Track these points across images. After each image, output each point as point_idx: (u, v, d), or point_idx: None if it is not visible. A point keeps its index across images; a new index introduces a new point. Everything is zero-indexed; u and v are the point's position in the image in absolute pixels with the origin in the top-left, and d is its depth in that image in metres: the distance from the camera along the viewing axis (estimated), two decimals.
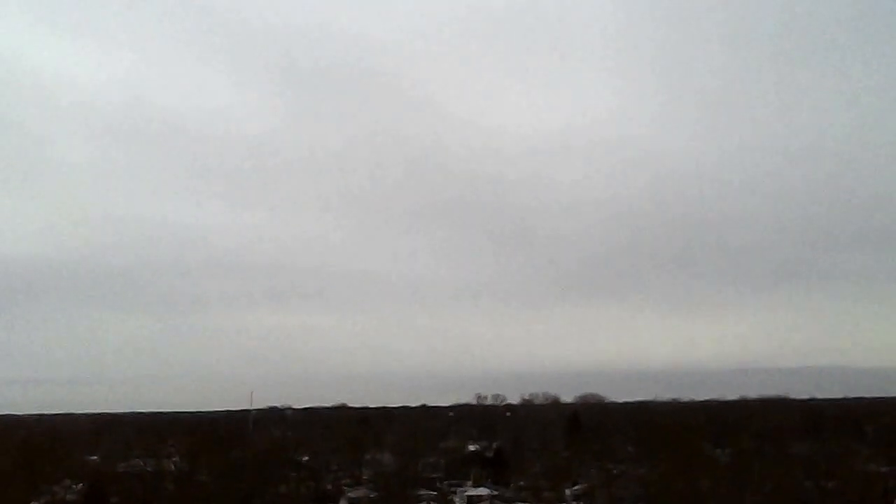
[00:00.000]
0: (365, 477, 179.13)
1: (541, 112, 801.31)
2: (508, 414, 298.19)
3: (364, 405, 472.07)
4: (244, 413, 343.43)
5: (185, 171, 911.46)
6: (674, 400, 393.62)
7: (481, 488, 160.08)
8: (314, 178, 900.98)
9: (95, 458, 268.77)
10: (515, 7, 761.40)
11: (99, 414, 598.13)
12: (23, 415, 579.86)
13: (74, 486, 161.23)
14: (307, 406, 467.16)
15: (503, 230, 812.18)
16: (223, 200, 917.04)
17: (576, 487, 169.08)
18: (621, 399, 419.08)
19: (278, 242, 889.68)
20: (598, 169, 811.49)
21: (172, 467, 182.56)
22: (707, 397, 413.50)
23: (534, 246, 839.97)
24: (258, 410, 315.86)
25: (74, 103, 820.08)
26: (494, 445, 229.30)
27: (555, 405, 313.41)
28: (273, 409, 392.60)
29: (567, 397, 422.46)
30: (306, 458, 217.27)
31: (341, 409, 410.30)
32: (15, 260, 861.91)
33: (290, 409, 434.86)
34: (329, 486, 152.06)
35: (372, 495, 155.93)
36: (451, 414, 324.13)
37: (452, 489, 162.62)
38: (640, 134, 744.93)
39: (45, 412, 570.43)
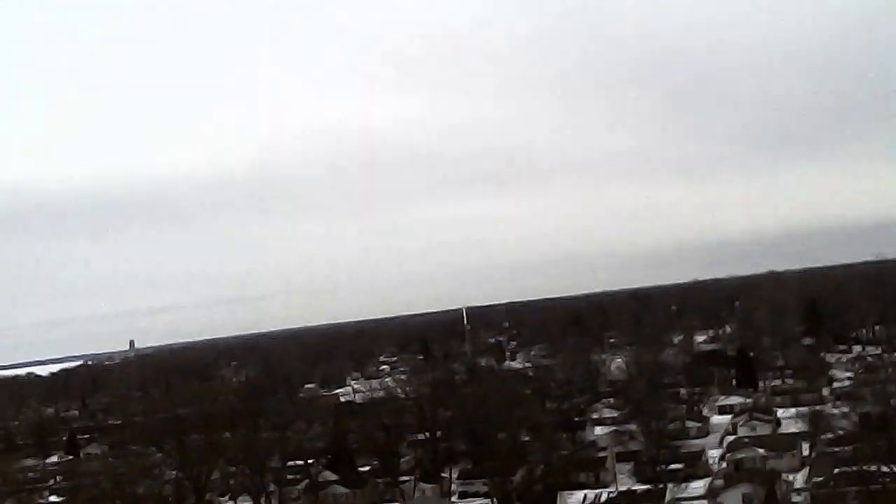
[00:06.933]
0: (602, 389, 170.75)
1: None
2: (737, 302, 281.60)
3: (571, 294, 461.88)
4: (451, 315, 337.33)
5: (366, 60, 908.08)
6: None
7: (732, 397, 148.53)
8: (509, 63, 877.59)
9: (313, 385, 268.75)
10: None
11: (309, 330, 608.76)
12: (228, 337, 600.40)
13: (308, 427, 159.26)
14: (514, 300, 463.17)
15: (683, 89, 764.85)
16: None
17: (835, 386, 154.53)
18: (849, 260, 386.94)
19: (466, 130, 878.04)
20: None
21: (399, 391, 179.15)
22: None
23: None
24: (468, 309, 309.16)
25: None
26: (730, 340, 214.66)
27: (780, 283, 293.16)
28: (481, 309, 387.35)
29: (789, 267, 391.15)
30: (528, 365, 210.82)
31: (550, 306, 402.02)
32: (187, 178, 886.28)
33: (500, 304, 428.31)
34: (571, 411, 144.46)
35: (616, 415, 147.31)
36: (672, 308, 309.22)
37: (699, 398, 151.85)
38: None
39: (244, 333, 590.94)
